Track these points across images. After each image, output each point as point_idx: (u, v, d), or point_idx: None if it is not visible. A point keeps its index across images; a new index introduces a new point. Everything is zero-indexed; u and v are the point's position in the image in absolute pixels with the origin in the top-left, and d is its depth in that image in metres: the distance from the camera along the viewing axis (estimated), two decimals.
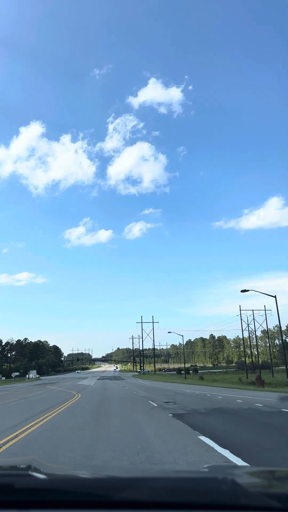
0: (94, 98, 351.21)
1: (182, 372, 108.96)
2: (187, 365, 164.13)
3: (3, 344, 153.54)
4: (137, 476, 1.87)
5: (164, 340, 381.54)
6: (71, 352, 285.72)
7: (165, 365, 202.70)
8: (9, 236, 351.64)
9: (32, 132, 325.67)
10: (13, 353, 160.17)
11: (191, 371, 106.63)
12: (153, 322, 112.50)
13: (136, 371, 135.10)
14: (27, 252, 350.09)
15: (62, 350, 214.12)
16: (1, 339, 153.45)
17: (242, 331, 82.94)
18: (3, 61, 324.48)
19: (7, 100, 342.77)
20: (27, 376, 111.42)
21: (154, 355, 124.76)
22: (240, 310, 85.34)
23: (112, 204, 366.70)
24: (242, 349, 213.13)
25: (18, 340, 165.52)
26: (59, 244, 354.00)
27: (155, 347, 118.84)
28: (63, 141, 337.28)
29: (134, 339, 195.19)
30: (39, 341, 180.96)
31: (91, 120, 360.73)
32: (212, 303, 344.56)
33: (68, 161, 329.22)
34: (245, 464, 5.45)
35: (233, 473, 1.91)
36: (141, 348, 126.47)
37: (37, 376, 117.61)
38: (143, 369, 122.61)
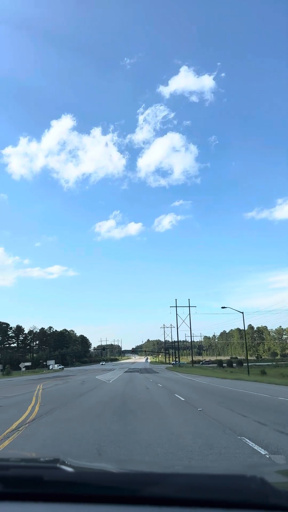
0: (124, 89, 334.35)
1: (224, 365, 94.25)
2: (225, 357, 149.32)
3: (25, 332, 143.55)
4: (165, 472, 1.81)
5: (197, 331, 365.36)
6: (100, 343, 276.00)
7: (199, 358, 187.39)
8: (41, 230, 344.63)
9: (63, 125, 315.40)
10: (36, 342, 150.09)
11: (234, 364, 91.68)
12: (189, 306, 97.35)
13: (170, 363, 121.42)
14: (59, 245, 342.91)
15: (91, 341, 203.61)
16: (24, 327, 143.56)
17: None
18: (37, 52, 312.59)
19: (40, 93, 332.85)
20: (49, 367, 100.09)
21: (192, 344, 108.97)
22: None
23: (142, 196, 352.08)
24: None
25: (42, 329, 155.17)
26: (90, 238, 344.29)
27: (186, 338, 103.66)
28: (94, 134, 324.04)
29: (165, 328, 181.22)
30: (65, 330, 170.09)
31: (122, 112, 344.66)
32: (243, 295, 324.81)
33: (99, 154, 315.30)
34: None
35: (263, 471, 1.84)
36: (173, 337, 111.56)
37: (61, 367, 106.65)
38: (178, 361, 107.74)
